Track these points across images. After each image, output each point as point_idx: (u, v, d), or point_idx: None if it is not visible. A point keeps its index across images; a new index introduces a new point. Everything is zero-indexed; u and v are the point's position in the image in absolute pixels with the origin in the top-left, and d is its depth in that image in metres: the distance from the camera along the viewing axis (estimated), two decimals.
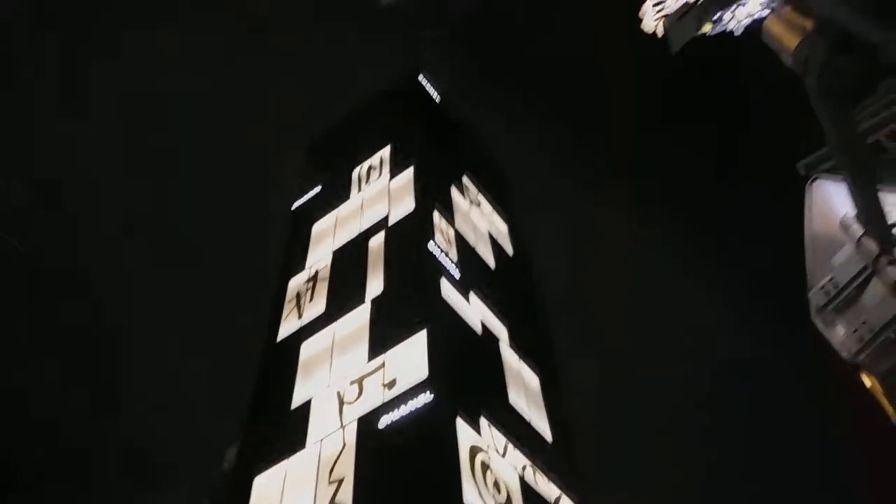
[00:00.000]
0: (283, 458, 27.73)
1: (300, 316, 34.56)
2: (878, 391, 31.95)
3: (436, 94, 49.54)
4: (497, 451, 26.31)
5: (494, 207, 44.66)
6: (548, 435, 31.40)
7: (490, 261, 38.14)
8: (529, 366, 33.71)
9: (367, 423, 26.04)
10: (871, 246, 3.16)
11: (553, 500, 28.39)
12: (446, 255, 32.79)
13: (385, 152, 41.56)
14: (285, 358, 32.55)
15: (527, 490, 26.61)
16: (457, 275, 32.55)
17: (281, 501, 26.24)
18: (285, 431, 28.86)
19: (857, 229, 3.28)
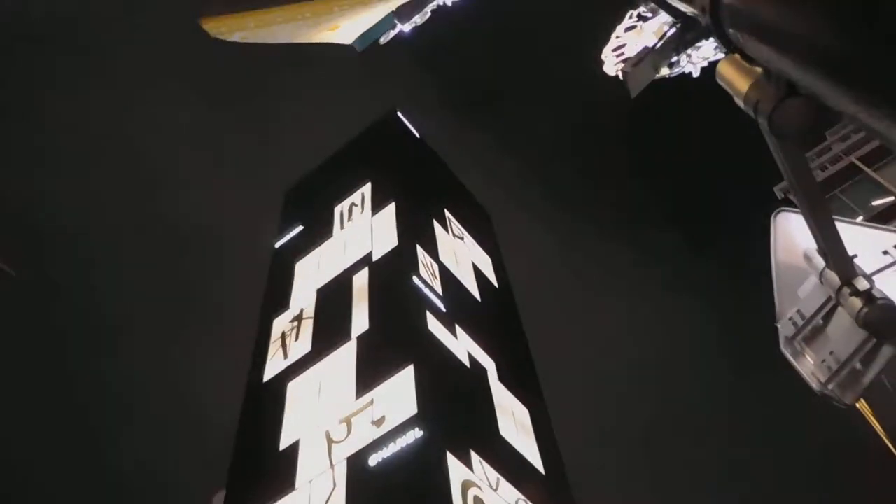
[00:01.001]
0: (272, 502, 27.38)
1: (286, 356, 34.37)
2: (866, 409, 32.18)
3: (414, 130, 50.02)
4: (490, 486, 26.11)
5: (477, 240, 44.91)
6: (540, 467, 31.24)
7: (475, 293, 38.24)
8: (519, 399, 33.66)
9: (357, 462, 25.81)
10: (834, 278, 3.21)
11: None
12: (431, 289, 32.86)
13: (366, 189, 41.79)
14: (272, 398, 32.31)
15: None
16: (442, 308, 32.59)
17: None
18: (274, 473, 28.53)
19: (820, 261, 3.33)
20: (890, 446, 31.44)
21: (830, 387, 3.69)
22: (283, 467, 28.31)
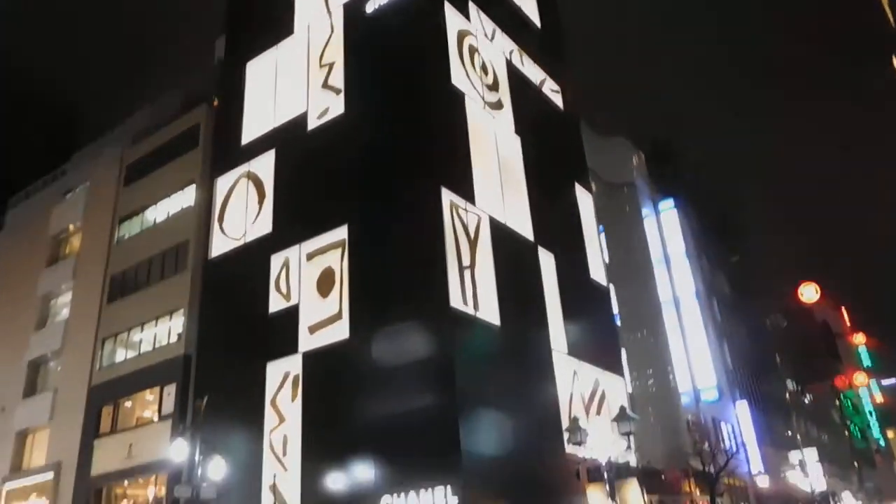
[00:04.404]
0: (272, 45, 27.90)
1: None
2: None
3: None
4: (485, 36, 26.43)
5: None
6: (537, 22, 31.27)
7: None
8: None
9: (354, 10, 25.67)
10: None
11: (538, 83, 29.47)
12: None
13: None
14: None
15: (513, 73, 27.42)
16: None
17: (275, 85, 27.09)
18: (272, 20, 28.52)
19: None
20: None
21: None
22: (280, 14, 28.16)
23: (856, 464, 64.44)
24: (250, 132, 27.09)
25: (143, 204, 31.00)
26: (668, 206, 41.66)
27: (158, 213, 30.22)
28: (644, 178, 41.90)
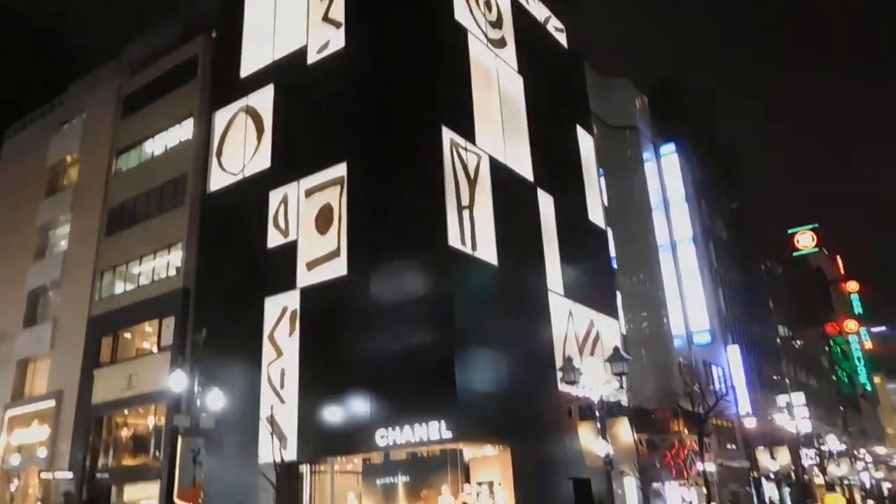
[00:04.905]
0: None
1: None
2: None
3: None
4: None
5: None
6: None
7: None
8: None
9: None
10: None
11: (542, 20, 28.90)
12: None
13: None
14: None
15: (517, 10, 26.87)
16: None
17: (274, 18, 26.53)
18: None
19: None
20: None
21: None
22: None
23: (841, 408, 65.77)
24: (249, 65, 26.67)
25: (140, 136, 30.71)
26: (669, 150, 41.35)
27: (156, 145, 29.97)
28: (646, 121, 41.47)
